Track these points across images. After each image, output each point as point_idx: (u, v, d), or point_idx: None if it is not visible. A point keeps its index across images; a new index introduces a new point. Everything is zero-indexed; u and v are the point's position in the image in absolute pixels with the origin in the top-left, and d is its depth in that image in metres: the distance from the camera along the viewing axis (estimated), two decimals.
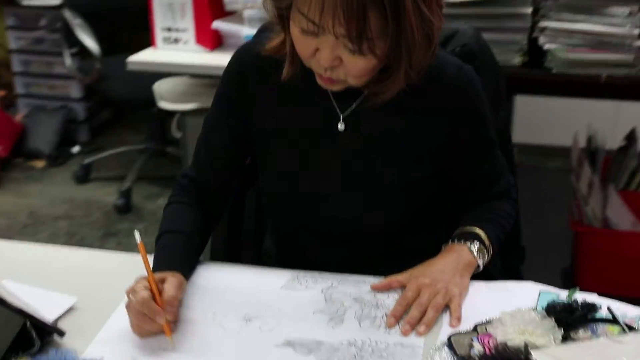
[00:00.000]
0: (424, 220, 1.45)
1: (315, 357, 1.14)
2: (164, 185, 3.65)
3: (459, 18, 2.13)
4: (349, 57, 1.17)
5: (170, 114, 3.18)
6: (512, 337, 1.12)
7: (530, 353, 1.07)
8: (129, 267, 1.30)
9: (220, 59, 2.43)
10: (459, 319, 1.22)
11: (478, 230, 1.36)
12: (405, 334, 1.19)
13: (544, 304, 1.24)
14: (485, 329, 1.18)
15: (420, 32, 1.15)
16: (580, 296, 1.27)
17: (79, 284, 1.31)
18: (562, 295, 1.29)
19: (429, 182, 1.39)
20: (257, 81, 1.35)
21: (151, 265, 1.23)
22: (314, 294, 1.30)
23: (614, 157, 2.90)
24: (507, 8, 2.18)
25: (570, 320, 1.18)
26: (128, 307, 1.18)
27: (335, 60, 1.18)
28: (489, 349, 1.11)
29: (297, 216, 1.44)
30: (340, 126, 1.34)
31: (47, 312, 1.21)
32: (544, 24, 2.17)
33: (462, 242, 1.35)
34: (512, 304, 1.25)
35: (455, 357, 1.14)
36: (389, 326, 1.21)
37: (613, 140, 3.02)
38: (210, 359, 1.15)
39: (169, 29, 2.60)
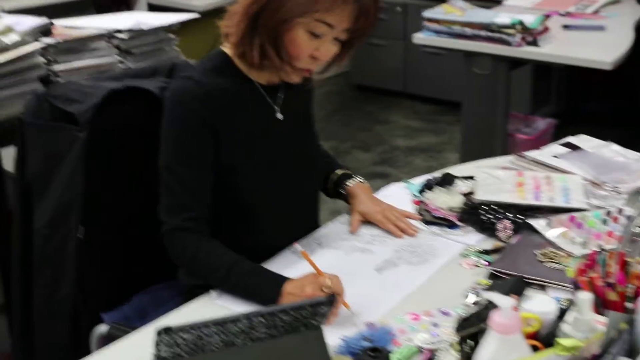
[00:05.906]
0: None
1: (408, 260, 1.64)
2: None
3: None
4: (332, 46, 1.52)
5: None
6: (449, 201, 1.84)
7: (477, 198, 1.82)
8: None
9: None
10: (416, 215, 1.83)
11: (345, 170, 1.87)
12: (413, 234, 1.75)
13: (417, 188, 1.93)
14: (425, 209, 1.83)
15: None
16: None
17: None
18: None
19: None
20: (215, 117, 1.55)
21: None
22: (336, 252, 1.70)
23: None
24: (20, 63, 2.19)
25: (450, 183, 1.92)
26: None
27: None
28: (445, 213, 1.80)
29: (271, 209, 1.66)
30: (279, 115, 1.64)
31: None
32: (56, 68, 2.29)
33: (351, 180, 1.84)
34: (400, 196, 1.90)
35: (446, 225, 1.80)
36: (400, 237, 1.74)
37: None
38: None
39: None
